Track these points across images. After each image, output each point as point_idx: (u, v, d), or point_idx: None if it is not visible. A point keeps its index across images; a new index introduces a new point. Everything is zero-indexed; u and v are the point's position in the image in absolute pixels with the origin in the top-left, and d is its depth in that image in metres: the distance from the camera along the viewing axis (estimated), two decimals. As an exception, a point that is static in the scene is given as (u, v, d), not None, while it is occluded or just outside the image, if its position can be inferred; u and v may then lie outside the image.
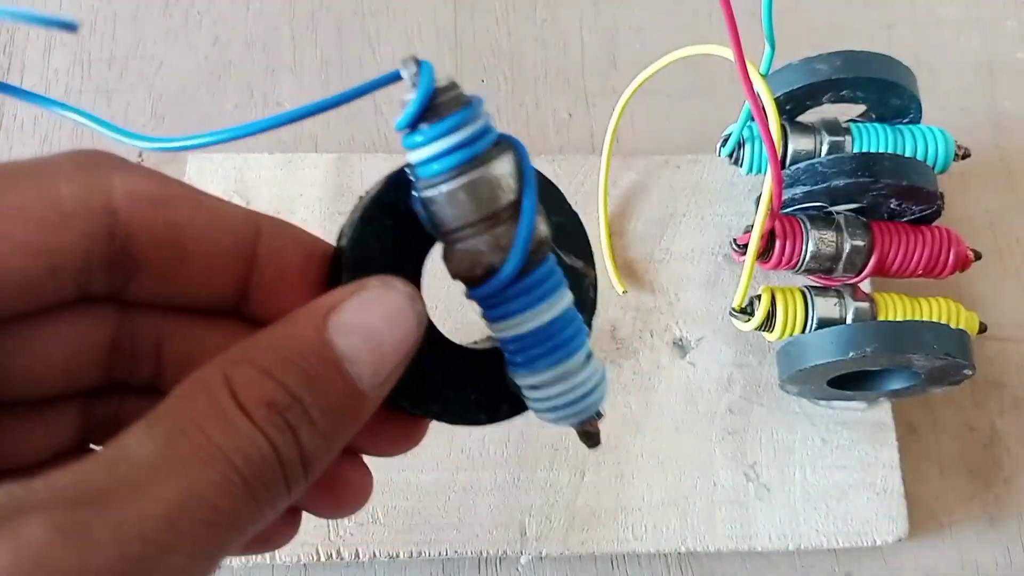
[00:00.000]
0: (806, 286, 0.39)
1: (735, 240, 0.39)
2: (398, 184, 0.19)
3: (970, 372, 0.37)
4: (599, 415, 0.21)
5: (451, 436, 0.40)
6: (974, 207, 0.47)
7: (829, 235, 0.37)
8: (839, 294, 0.38)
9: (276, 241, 0.18)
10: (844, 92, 0.38)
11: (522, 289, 0.19)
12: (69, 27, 0.15)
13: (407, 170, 0.19)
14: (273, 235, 0.18)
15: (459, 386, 0.20)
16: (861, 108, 0.41)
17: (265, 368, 0.15)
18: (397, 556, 0.38)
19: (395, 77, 0.18)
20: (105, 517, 0.13)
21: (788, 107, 0.39)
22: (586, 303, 0.21)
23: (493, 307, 0.19)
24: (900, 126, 0.40)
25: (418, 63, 0.17)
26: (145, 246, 0.16)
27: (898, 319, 0.38)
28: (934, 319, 0.38)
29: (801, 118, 0.40)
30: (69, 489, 0.13)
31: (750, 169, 0.41)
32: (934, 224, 0.39)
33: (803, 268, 0.38)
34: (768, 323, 0.38)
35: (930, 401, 0.43)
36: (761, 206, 0.35)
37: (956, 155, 0.40)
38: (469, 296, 0.19)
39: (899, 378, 0.39)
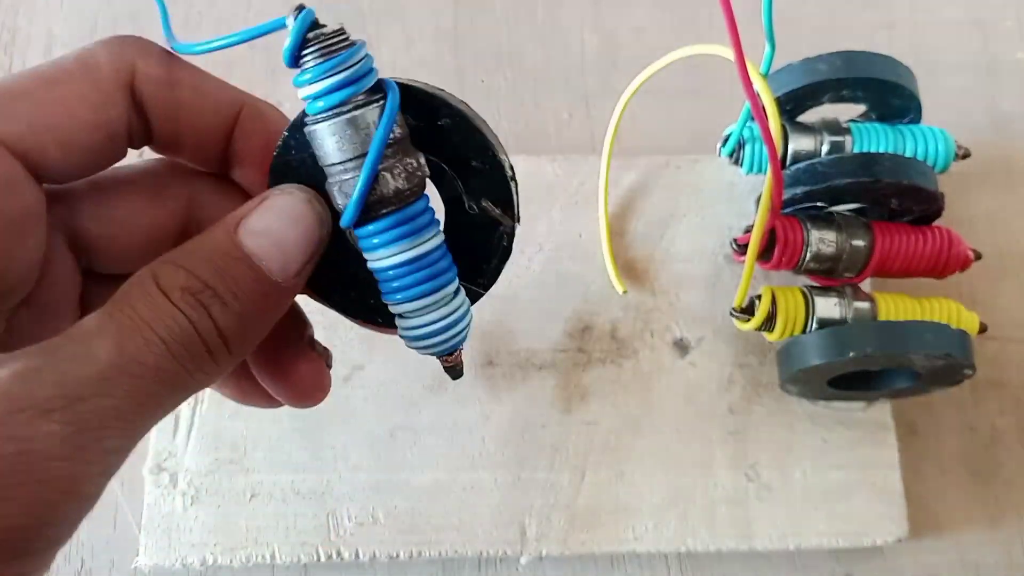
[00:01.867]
0: (806, 286, 0.39)
1: (735, 240, 0.39)
2: None
3: (970, 372, 0.37)
4: (452, 353, 0.23)
5: (451, 436, 0.40)
6: (974, 207, 0.47)
7: (829, 235, 0.37)
8: (839, 294, 0.38)
9: (248, 124, 0.22)
10: (844, 92, 0.38)
11: (373, 231, 0.21)
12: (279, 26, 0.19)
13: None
14: (249, 116, 0.22)
15: (362, 286, 0.23)
16: (861, 108, 0.41)
17: (182, 265, 0.19)
18: (397, 556, 0.38)
19: (280, 25, 0.20)
20: (52, 364, 0.17)
21: (788, 107, 0.39)
22: (495, 250, 0.23)
23: (360, 239, 0.21)
24: (900, 126, 0.40)
25: (300, 8, 0.20)
26: (155, 118, 0.21)
27: (898, 319, 0.38)
28: (934, 319, 0.38)
29: (801, 118, 0.40)
30: (36, 349, 0.17)
31: (750, 169, 0.41)
32: (934, 224, 0.39)
33: (803, 268, 0.38)
34: (768, 323, 0.38)
35: (930, 401, 0.43)
36: (761, 206, 0.35)
37: (956, 155, 0.40)
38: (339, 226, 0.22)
39: (899, 378, 0.39)
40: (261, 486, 0.39)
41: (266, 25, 0.20)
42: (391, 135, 0.20)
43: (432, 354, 0.23)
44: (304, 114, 0.21)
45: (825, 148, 0.39)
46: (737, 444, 0.41)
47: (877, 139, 0.39)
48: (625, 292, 0.43)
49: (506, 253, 0.23)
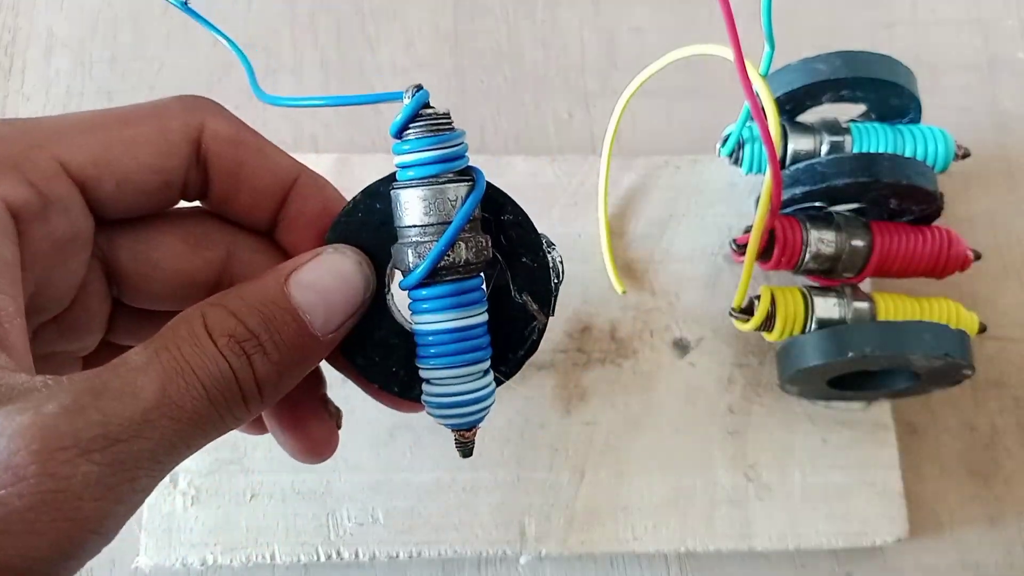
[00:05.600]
0: (806, 286, 0.39)
1: (735, 240, 0.39)
2: (391, 181, 0.23)
3: (970, 372, 0.37)
4: (471, 430, 0.24)
5: (451, 436, 0.40)
6: (974, 207, 0.47)
7: (829, 235, 0.37)
8: (839, 294, 0.38)
9: (304, 190, 0.23)
10: (844, 92, 0.38)
11: (431, 295, 0.22)
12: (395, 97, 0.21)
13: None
14: (305, 185, 0.23)
15: (388, 353, 0.24)
16: (861, 108, 0.41)
17: (232, 310, 0.19)
18: (397, 556, 0.38)
19: (397, 97, 0.22)
20: (98, 404, 0.17)
21: (788, 107, 0.39)
22: (524, 342, 0.24)
23: (412, 301, 0.23)
24: (900, 126, 0.40)
25: (418, 88, 0.22)
26: (215, 175, 0.22)
27: (898, 319, 0.38)
28: (934, 319, 0.38)
29: (801, 118, 0.40)
30: (83, 382, 0.17)
31: (750, 169, 0.41)
32: (934, 224, 0.39)
33: (803, 268, 0.38)
34: (768, 323, 0.38)
35: (930, 401, 0.43)
36: (761, 206, 0.35)
37: (956, 155, 0.40)
38: (400, 285, 0.23)
39: (899, 378, 0.39)
40: (261, 486, 0.39)
41: (382, 95, 0.22)
42: (473, 212, 0.22)
43: (451, 425, 0.24)
44: (383, 181, 0.23)
45: (825, 148, 0.39)
46: (737, 444, 0.41)
47: (877, 139, 0.39)
48: (624, 292, 0.43)
49: (533, 347, 0.24)
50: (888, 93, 0.38)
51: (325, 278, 0.21)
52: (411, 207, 0.22)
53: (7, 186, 0.18)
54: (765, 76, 0.34)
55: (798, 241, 0.37)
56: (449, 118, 0.22)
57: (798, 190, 0.37)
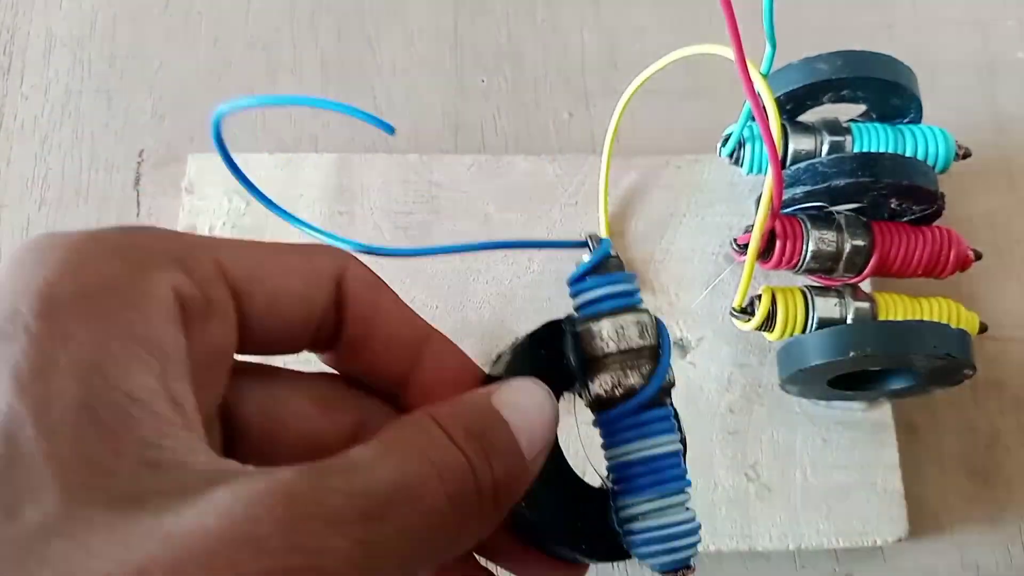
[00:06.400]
0: (806, 286, 0.39)
1: (735, 240, 0.39)
2: (552, 329, 0.23)
3: (970, 372, 0.37)
4: (691, 568, 0.23)
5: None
6: (974, 207, 0.47)
7: (829, 235, 0.37)
8: (839, 294, 0.38)
9: (439, 347, 0.22)
10: (844, 92, 0.38)
11: (647, 418, 0.22)
12: (387, 128, 0.20)
13: (574, 313, 0.23)
14: (439, 342, 0.22)
15: (566, 508, 0.23)
16: (861, 108, 0.41)
17: (459, 415, 0.18)
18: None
19: (582, 244, 0.23)
20: (338, 477, 0.15)
21: (788, 107, 0.39)
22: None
23: (615, 432, 0.23)
24: (901, 126, 0.40)
25: (599, 240, 0.23)
26: (352, 318, 0.21)
27: (898, 319, 0.38)
28: (934, 319, 0.38)
29: (801, 118, 0.40)
30: (308, 465, 0.15)
31: (750, 169, 0.41)
32: (934, 224, 0.39)
33: (803, 268, 0.38)
34: (768, 323, 0.38)
35: (930, 401, 0.43)
36: (761, 206, 0.35)
37: (957, 155, 0.40)
38: (597, 422, 0.23)
39: (899, 378, 0.39)
40: None
41: (568, 242, 0.24)
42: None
43: (666, 565, 0.22)
44: (548, 327, 0.23)
45: (825, 148, 0.39)
46: (737, 444, 0.40)
47: (877, 139, 0.39)
48: (625, 292, 0.43)
49: (686, 472, 0.25)
50: (889, 93, 0.38)
51: (525, 400, 0.20)
52: (608, 336, 0.22)
53: (177, 277, 0.17)
54: (766, 76, 0.34)
55: (799, 241, 0.37)
56: (621, 260, 0.23)
57: (799, 190, 0.37)
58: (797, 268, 0.38)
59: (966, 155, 0.40)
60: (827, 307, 0.38)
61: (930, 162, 0.39)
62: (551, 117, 0.48)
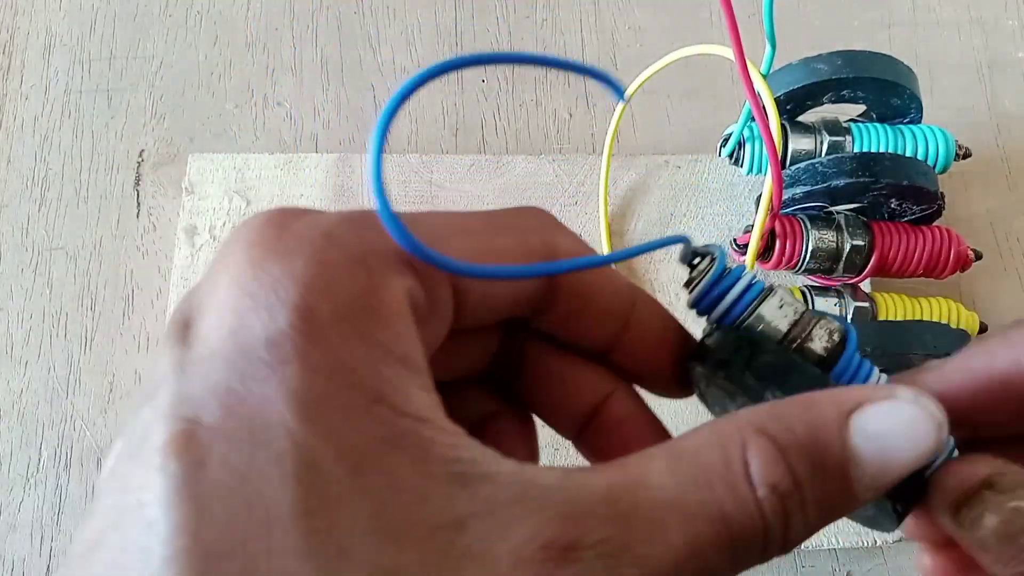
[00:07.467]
0: (806, 286, 0.39)
1: (735, 240, 0.39)
2: (726, 339, 0.22)
3: (970, 372, 0.37)
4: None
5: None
6: (974, 207, 0.47)
7: (829, 235, 0.37)
8: (839, 294, 0.38)
9: (646, 310, 0.22)
10: (844, 92, 0.38)
11: (859, 358, 0.21)
12: (618, 93, 0.20)
13: (712, 326, 0.23)
14: (645, 304, 0.22)
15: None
16: (861, 108, 0.41)
17: (781, 449, 0.16)
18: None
19: (679, 240, 0.22)
20: (634, 546, 0.14)
21: (788, 107, 0.39)
22: None
23: (851, 378, 0.21)
24: (900, 126, 0.40)
25: (714, 256, 0.22)
26: (563, 292, 0.20)
27: (898, 319, 0.38)
28: (934, 319, 0.38)
29: (801, 118, 0.40)
30: (603, 493, 0.15)
31: (750, 169, 0.41)
32: (934, 224, 0.39)
33: (803, 268, 0.38)
34: (768, 323, 0.38)
35: (930, 401, 0.43)
36: (761, 206, 0.35)
37: (957, 155, 0.40)
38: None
39: (899, 378, 0.39)
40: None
41: (663, 240, 0.22)
42: None
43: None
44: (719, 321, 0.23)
45: (825, 148, 0.39)
46: (737, 444, 0.40)
47: (877, 139, 0.39)
48: (625, 292, 0.43)
49: None
50: (888, 93, 0.38)
51: (895, 432, 0.17)
52: (779, 315, 0.22)
53: (408, 281, 0.16)
54: (766, 76, 0.34)
55: (799, 241, 0.37)
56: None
57: (798, 190, 0.37)
58: (797, 268, 0.38)
59: (966, 155, 0.40)
60: (827, 307, 0.38)
61: (930, 162, 0.39)
62: (551, 117, 0.48)
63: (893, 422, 0.17)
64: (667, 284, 0.43)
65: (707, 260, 0.22)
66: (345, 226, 0.16)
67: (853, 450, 0.16)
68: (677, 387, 0.23)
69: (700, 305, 0.22)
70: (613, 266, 0.22)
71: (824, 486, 0.16)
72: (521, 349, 0.21)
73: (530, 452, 0.22)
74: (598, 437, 0.22)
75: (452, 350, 0.19)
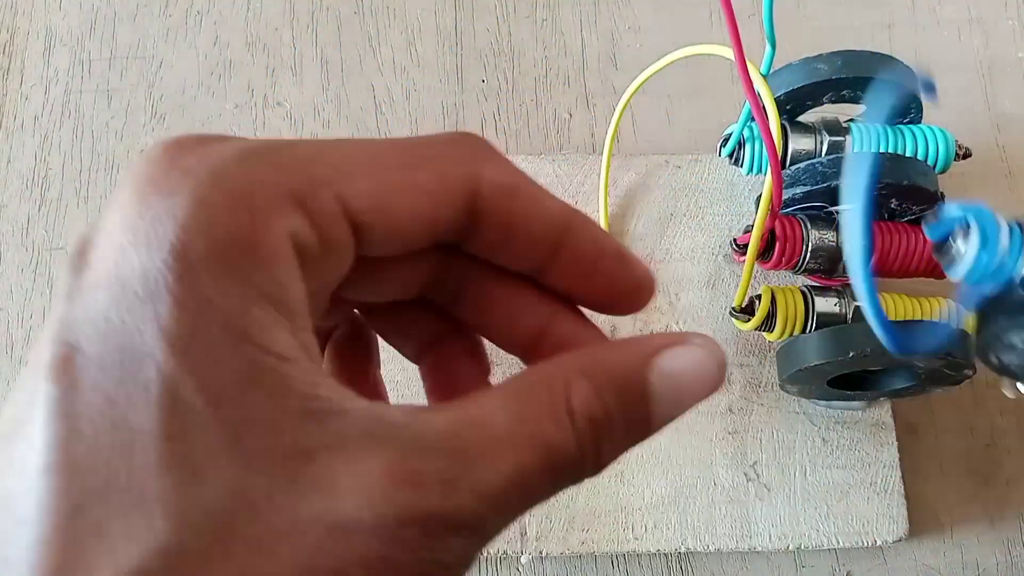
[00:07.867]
0: (806, 286, 0.39)
1: (735, 240, 0.39)
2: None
3: (970, 372, 0.37)
4: None
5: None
6: (974, 207, 0.47)
7: (829, 235, 0.37)
8: (839, 294, 0.38)
9: (581, 233, 0.22)
10: (845, 92, 0.38)
11: None
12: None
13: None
14: (580, 226, 0.22)
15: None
16: (861, 108, 0.41)
17: (597, 388, 0.18)
18: (397, 556, 0.38)
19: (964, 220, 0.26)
20: (467, 474, 0.16)
21: (788, 107, 0.39)
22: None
23: None
24: (900, 126, 0.40)
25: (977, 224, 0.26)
26: (486, 223, 0.20)
27: (898, 319, 0.38)
28: (934, 319, 0.38)
29: (801, 118, 0.40)
30: (446, 429, 0.16)
31: (750, 169, 0.41)
32: (934, 224, 0.39)
33: (803, 268, 0.38)
34: (768, 323, 0.38)
35: (930, 401, 0.43)
36: (761, 206, 0.35)
37: (957, 155, 0.40)
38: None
39: (899, 378, 0.39)
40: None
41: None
42: None
43: None
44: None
45: (825, 148, 0.39)
46: (737, 443, 0.41)
47: (877, 139, 0.39)
48: (625, 292, 0.43)
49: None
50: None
51: (687, 373, 0.19)
52: None
53: (296, 222, 0.16)
54: (765, 76, 0.34)
55: (799, 241, 0.37)
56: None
57: (798, 190, 0.37)
58: (797, 268, 0.38)
59: (966, 155, 0.40)
60: (827, 307, 0.38)
61: (930, 162, 0.39)
62: (551, 117, 0.48)
63: (687, 364, 0.19)
64: (667, 285, 0.43)
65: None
66: (235, 163, 0.16)
67: (652, 386, 0.19)
68: (616, 307, 0.24)
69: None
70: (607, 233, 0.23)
71: (630, 417, 0.18)
72: (459, 272, 0.21)
73: (481, 369, 0.23)
74: (544, 358, 0.22)
75: (380, 275, 0.20)
